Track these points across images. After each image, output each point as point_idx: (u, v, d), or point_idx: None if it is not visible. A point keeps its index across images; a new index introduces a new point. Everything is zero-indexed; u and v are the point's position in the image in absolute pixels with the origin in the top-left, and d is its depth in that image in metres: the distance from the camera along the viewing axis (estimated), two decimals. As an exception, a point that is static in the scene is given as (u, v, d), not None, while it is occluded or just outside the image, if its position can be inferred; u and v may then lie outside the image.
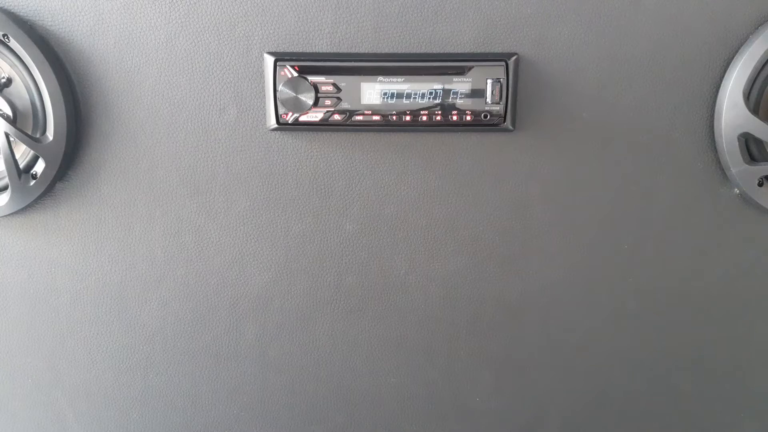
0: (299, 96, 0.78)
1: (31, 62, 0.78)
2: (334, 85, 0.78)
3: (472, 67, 0.77)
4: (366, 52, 0.79)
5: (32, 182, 0.82)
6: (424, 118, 0.79)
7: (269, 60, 0.78)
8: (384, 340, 0.89)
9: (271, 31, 0.79)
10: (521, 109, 0.80)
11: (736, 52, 0.77)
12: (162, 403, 0.93)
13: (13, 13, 0.79)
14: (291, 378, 0.91)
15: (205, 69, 0.80)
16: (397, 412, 0.92)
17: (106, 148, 0.83)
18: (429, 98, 0.78)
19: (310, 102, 0.78)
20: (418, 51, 0.79)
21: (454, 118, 0.79)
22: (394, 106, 0.78)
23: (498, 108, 0.78)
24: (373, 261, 0.86)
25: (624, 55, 0.78)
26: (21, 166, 0.82)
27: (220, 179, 0.84)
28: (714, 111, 0.79)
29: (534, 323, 0.87)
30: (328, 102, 0.78)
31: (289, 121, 0.80)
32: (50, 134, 0.80)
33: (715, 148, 0.80)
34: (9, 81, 0.81)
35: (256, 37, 0.79)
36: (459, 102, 0.78)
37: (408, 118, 0.79)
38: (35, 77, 0.79)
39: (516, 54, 0.78)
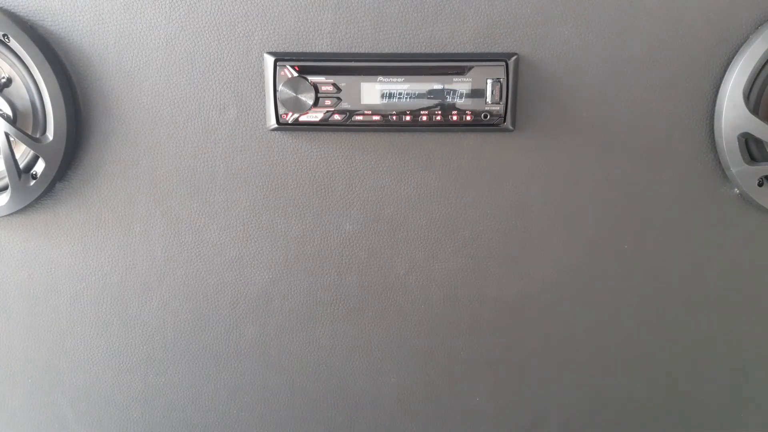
0: (299, 96, 0.78)
1: (31, 62, 0.78)
2: (334, 85, 0.78)
3: (472, 67, 0.77)
4: (366, 52, 0.79)
5: (32, 182, 0.82)
6: (424, 118, 0.79)
7: (269, 60, 0.78)
8: (384, 340, 0.89)
9: (271, 31, 0.79)
10: (521, 109, 0.80)
11: (736, 52, 0.77)
12: (162, 402, 0.93)
13: (13, 13, 0.79)
14: (291, 378, 0.91)
15: (205, 69, 0.80)
16: (397, 412, 0.92)
17: (106, 148, 0.83)
18: (429, 98, 0.78)
19: (310, 102, 0.78)
20: (418, 51, 0.79)
21: (454, 118, 0.79)
22: (394, 106, 0.78)
23: (498, 108, 0.78)
24: (373, 261, 0.86)
25: (624, 55, 0.78)
26: (21, 166, 0.82)
27: (220, 179, 0.84)
28: (714, 111, 0.79)
29: (534, 323, 0.88)
30: (328, 102, 0.78)
31: (289, 121, 0.80)
32: (50, 134, 0.80)
33: (715, 148, 0.80)
34: (9, 81, 0.81)
35: (256, 37, 0.79)
36: (459, 102, 0.78)
37: (408, 118, 0.79)
38: (35, 77, 0.79)
39: (516, 54, 0.78)
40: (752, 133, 0.77)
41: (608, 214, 0.83)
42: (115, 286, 0.88)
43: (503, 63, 0.77)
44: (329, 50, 0.79)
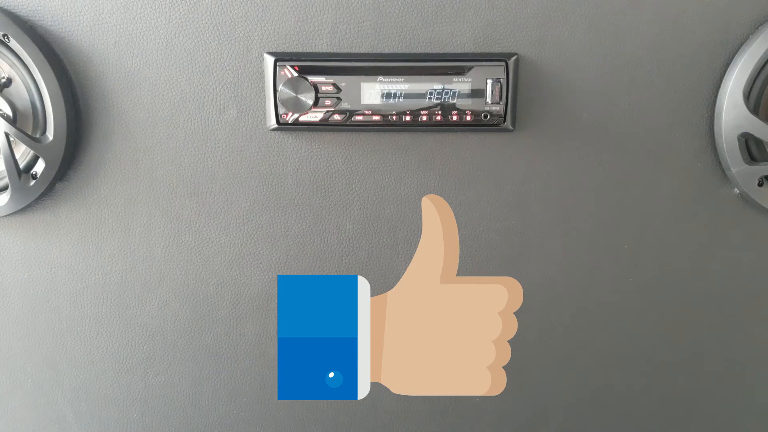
0: (299, 96, 0.78)
1: (31, 62, 0.78)
2: (334, 85, 0.78)
3: (472, 67, 0.77)
4: (366, 52, 0.79)
5: (32, 182, 0.82)
6: (424, 118, 0.79)
7: (269, 60, 0.78)
8: (384, 340, 0.89)
9: (271, 31, 0.79)
10: (521, 109, 0.80)
11: (736, 52, 0.77)
12: (162, 403, 0.93)
13: (13, 13, 0.79)
14: (291, 378, 0.91)
15: (205, 69, 0.80)
16: (397, 412, 0.92)
17: (106, 148, 0.83)
18: (429, 98, 0.78)
19: (310, 102, 0.78)
20: (418, 51, 0.79)
21: (454, 118, 0.79)
22: (394, 106, 0.78)
23: (498, 108, 0.78)
24: (373, 261, 0.86)
25: (624, 55, 0.78)
26: (21, 166, 0.82)
27: (220, 179, 0.84)
28: (714, 111, 0.79)
29: (534, 323, 0.87)
30: (328, 102, 0.78)
31: (289, 121, 0.80)
32: (50, 134, 0.80)
33: (715, 148, 0.80)
34: (9, 81, 0.81)
35: (256, 37, 0.79)
36: (459, 102, 0.78)
37: (408, 118, 0.79)
38: (35, 77, 0.79)
39: (516, 54, 0.78)
40: (752, 133, 0.77)
41: (608, 214, 0.83)
42: (115, 286, 0.88)
43: (503, 63, 0.77)
44: (329, 50, 0.79)
